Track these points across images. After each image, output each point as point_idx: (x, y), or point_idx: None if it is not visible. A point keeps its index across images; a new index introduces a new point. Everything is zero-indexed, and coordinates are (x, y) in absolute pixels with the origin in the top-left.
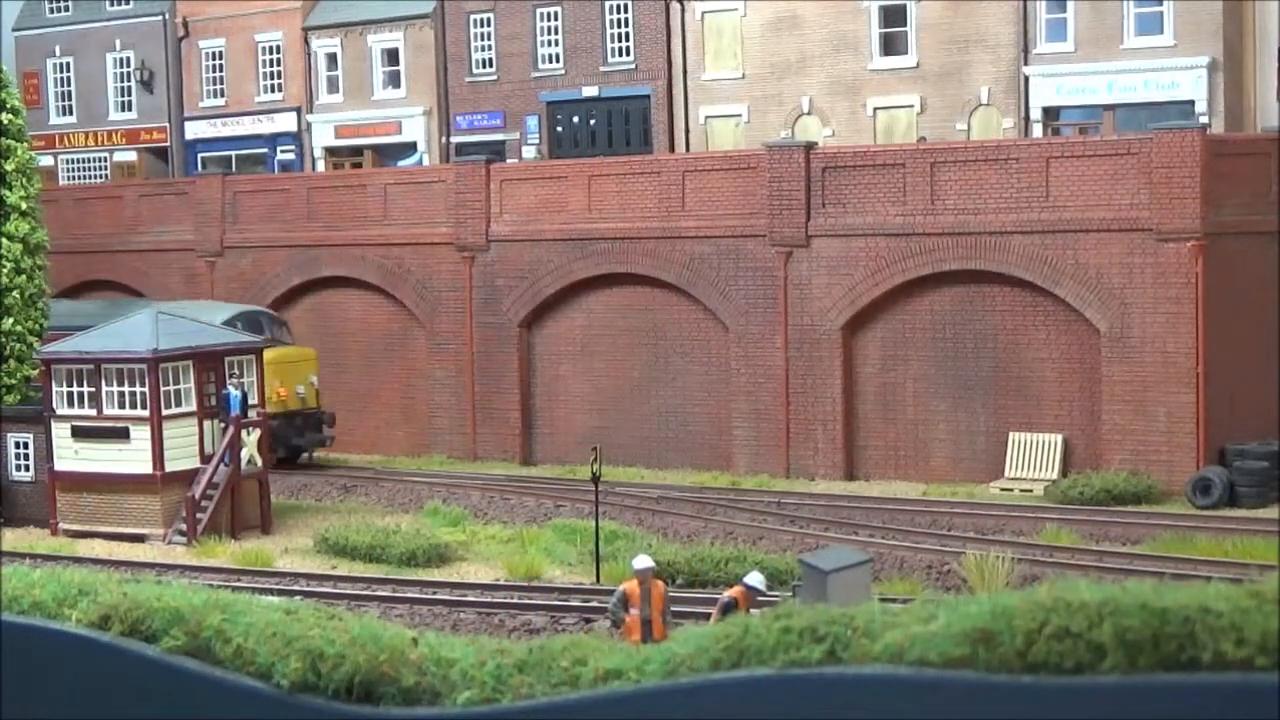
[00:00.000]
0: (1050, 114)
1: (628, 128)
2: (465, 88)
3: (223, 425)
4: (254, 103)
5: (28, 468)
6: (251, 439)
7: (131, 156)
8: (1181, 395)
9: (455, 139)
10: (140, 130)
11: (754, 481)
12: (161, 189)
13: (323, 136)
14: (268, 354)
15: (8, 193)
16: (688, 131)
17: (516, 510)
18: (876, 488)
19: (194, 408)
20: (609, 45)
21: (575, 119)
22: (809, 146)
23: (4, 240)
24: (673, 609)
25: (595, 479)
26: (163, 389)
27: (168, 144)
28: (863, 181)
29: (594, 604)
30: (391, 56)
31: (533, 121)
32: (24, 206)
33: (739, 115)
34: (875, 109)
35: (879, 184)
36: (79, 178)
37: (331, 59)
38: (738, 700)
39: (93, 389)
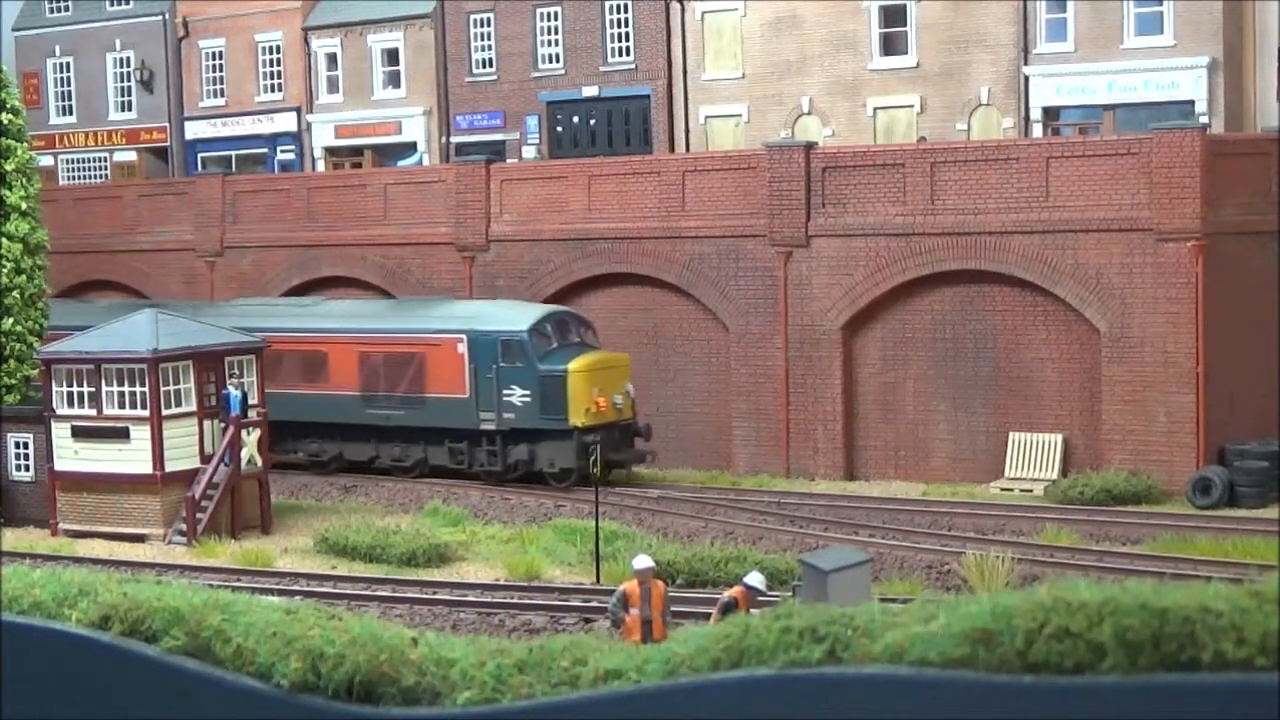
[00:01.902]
0: (1050, 114)
1: (628, 128)
2: (465, 88)
3: (223, 425)
4: (254, 103)
5: (28, 468)
6: (251, 439)
7: (131, 156)
8: (1181, 395)
9: (455, 139)
10: (140, 130)
11: (754, 481)
12: (161, 189)
13: (323, 136)
14: (582, 360)
15: (8, 193)
16: (688, 131)
17: (516, 510)
18: (876, 488)
19: (194, 408)
20: (609, 45)
21: (575, 119)
22: (809, 146)
23: (4, 240)
24: (673, 609)
25: (595, 479)
26: (163, 389)
27: (168, 144)
28: (863, 181)
29: (594, 604)
30: (391, 56)
31: (533, 121)
32: (24, 206)
33: (739, 115)
34: (875, 109)
35: (879, 184)
36: (79, 178)
37: (331, 59)
38: (738, 700)
39: (93, 389)
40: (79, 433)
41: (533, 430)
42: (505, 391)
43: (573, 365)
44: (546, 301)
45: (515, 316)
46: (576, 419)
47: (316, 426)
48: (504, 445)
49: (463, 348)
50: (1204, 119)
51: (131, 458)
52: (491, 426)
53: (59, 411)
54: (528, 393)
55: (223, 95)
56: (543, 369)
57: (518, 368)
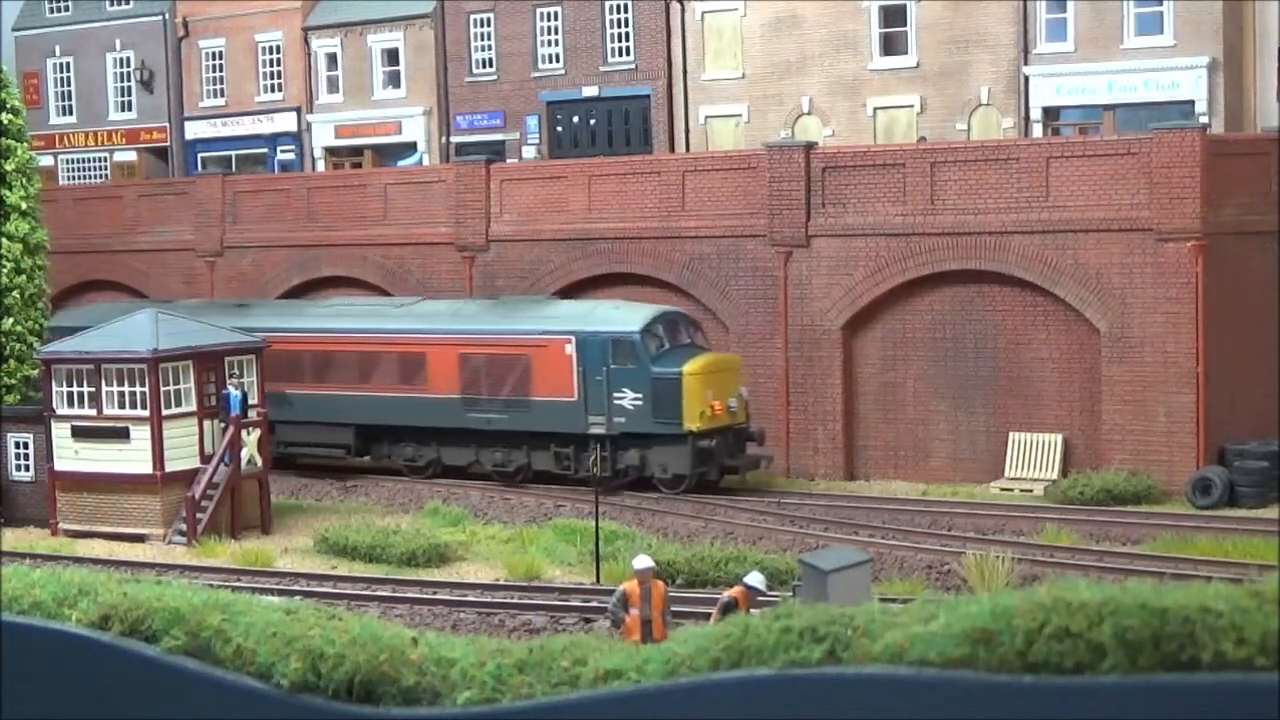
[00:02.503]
0: (1050, 114)
1: (628, 128)
2: (465, 88)
3: (223, 425)
4: (254, 103)
5: (28, 468)
6: (251, 439)
7: (131, 156)
8: (1181, 395)
9: (455, 139)
10: (140, 130)
11: (754, 481)
12: (161, 189)
13: (323, 136)
14: (697, 362)
15: (8, 193)
16: (688, 131)
17: (516, 510)
18: (876, 488)
19: (194, 408)
20: (609, 45)
21: (575, 119)
22: (809, 146)
23: (4, 240)
24: (673, 609)
25: (595, 479)
26: (163, 389)
27: (168, 144)
28: (863, 181)
29: (594, 604)
30: (391, 56)
31: (533, 121)
32: (24, 206)
33: (739, 115)
34: (875, 109)
35: (879, 184)
36: (79, 178)
37: (331, 59)
38: (738, 700)
39: (93, 389)
40: (79, 433)
41: (644, 435)
42: (616, 394)
43: (687, 367)
44: None
45: (626, 316)
46: (691, 423)
47: (412, 431)
48: (613, 450)
49: (571, 349)
50: (1204, 119)
51: (131, 458)
52: (601, 430)
53: (59, 411)
54: (640, 396)
55: (223, 95)
56: (656, 371)
57: (629, 369)
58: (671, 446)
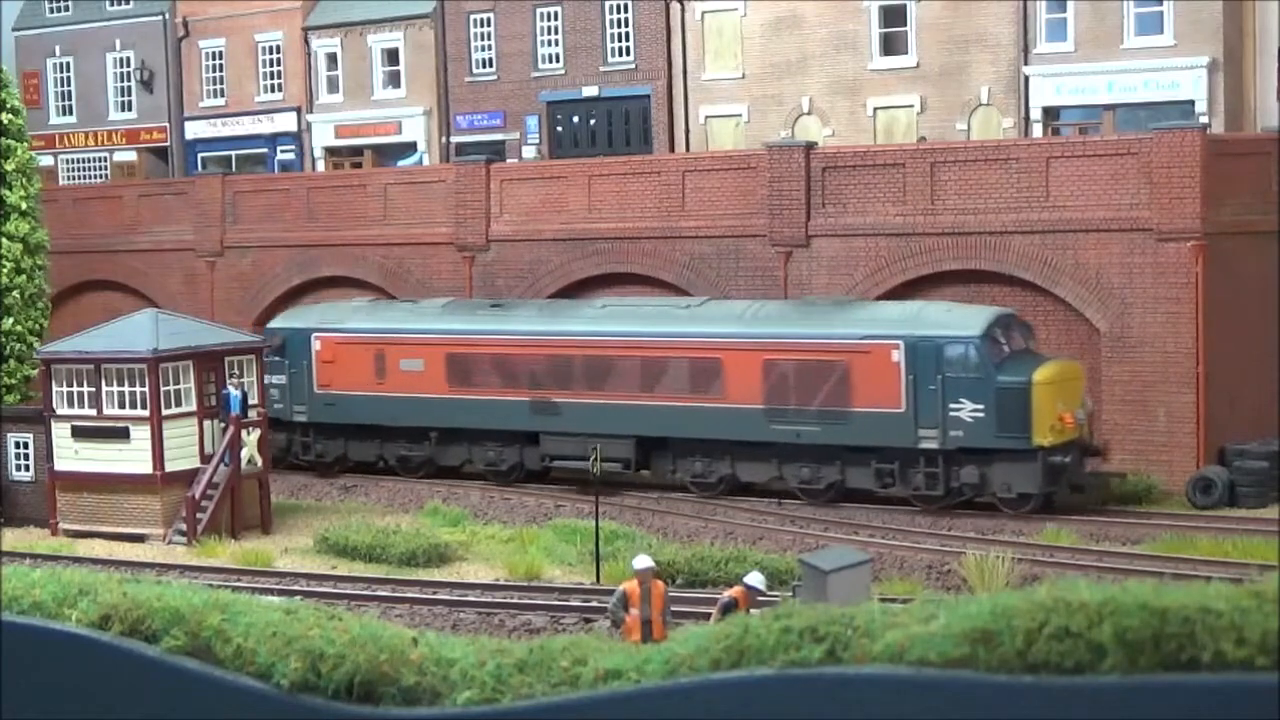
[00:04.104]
0: (1050, 114)
1: (628, 128)
2: (465, 88)
3: (222, 425)
4: (254, 103)
5: (28, 468)
6: (251, 439)
7: (131, 156)
8: (1181, 395)
9: (455, 139)
10: (140, 130)
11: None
12: (161, 189)
13: (323, 136)
14: (1046, 370)
15: (8, 193)
16: (688, 131)
17: (516, 510)
18: None
19: (194, 408)
20: (609, 45)
21: (575, 119)
22: (809, 146)
23: (4, 240)
24: (673, 609)
25: (595, 478)
26: (163, 389)
27: (168, 144)
28: (863, 181)
29: (594, 604)
30: (391, 56)
31: (533, 121)
32: (24, 206)
33: (739, 115)
34: (875, 109)
35: (879, 184)
36: (79, 178)
37: (331, 59)
38: (738, 700)
39: (93, 389)
40: (79, 433)
41: (984, 450)
42: (952, 405)
43: (1038, 375)
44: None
45: (961, 320)
46: (1041, 437)
47: (703, 444)
48: (947, 466)
49: (898, 355)
50: (1204, 119)
51: (131, 458)
52: (934, 445)
53: (59, 411)
54: (980, 407)
55: (223, 95)
56: (1001, 380)
57: (968, 378)
58: (1018, 463)
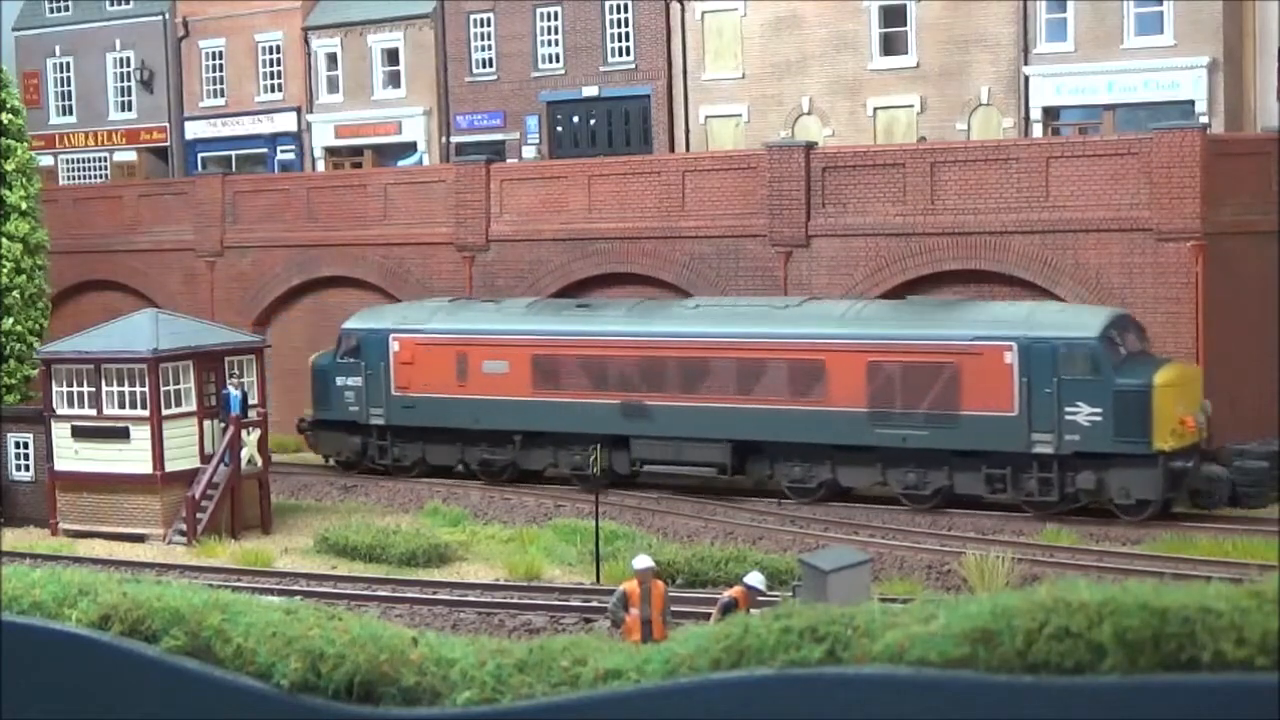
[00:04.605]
0: (1050, 114)
1: (628, 128)
2: (465, 88)
3: (222, 425)
4: (254, 103)
5: (28, 468)
6: (251, 439)
7: (131, 156)
8: None
9: (455, 139)
10: (140, 130)
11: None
12: (161, 189)
13: (323, 136)
14: (1167, 372)
15: (8, 193)
16: (688, 131)
17: (516, 510)
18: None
19: (194, 408)
20: (609, 45)
21: (575, 119)
22: (809, 146)
23: (4, 240)
24: (673, 609)
25: (594, 478)
26: (163, 389)
27: (168, 144)
28: (863, 181)
29: (594, 604)
30: (391, 56)
31: (533, 121)
32: (24, 206)
33: (739, 115)
34: (875, 109)
35: (879, 184)
36: (79, 178)
37: (331, 59)
38: (738, 700)
39: (93, 389)
40: (79, 433)
41: (1101, 455)
42: (1068, 409)
43: (1159, 378)
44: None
45: (1078, 320)
46: (1162, 441)
47: (802, 448)
48: (1061, 471)
49: (1011, 357)
50: (1204, 119)
51: (131, 458)
52: (1048, 450)
53: (59, 411)
54: (1098, 410)
55: (223, 95)
56: (1121, 383)
57: (1086, 381)
58: (1137, 468)
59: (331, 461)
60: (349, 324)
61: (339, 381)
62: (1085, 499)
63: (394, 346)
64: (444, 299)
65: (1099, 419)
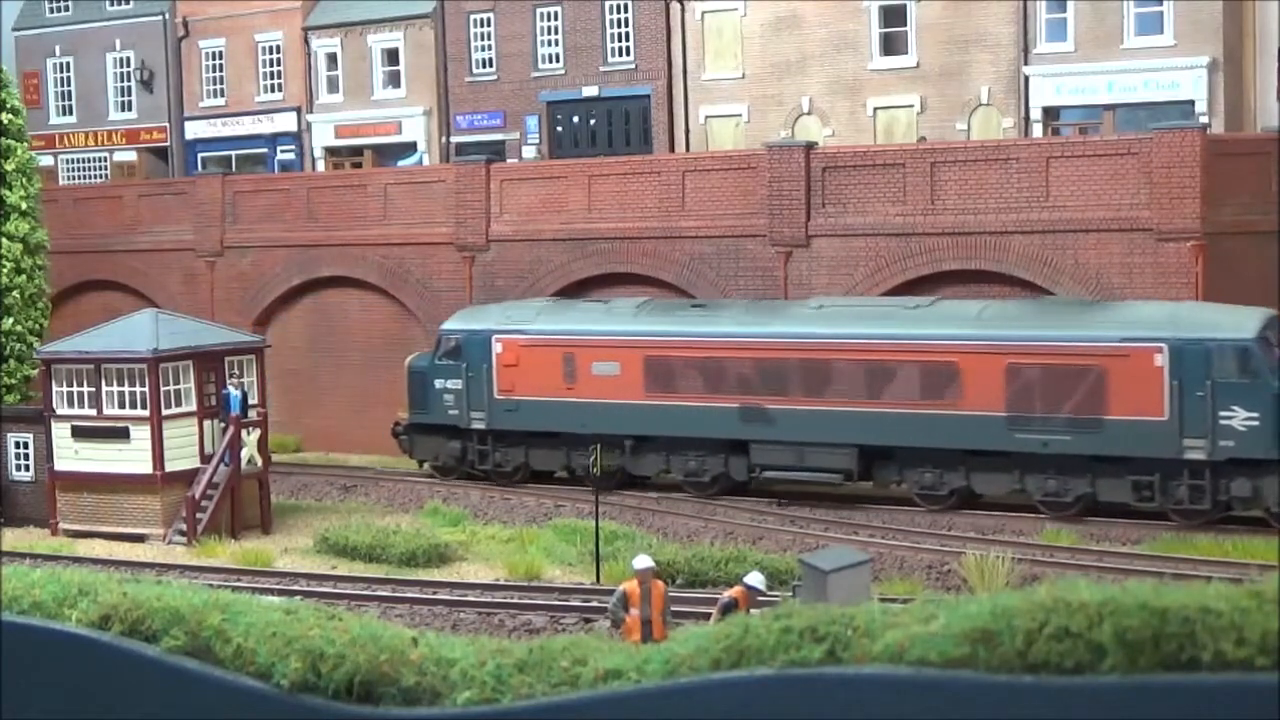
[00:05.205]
0: (1050, 114)
1: (628, 128)
2: (465, 88)
3: (222, 425)
4: (254, 103)
5: (28, 468)
6: (251, 439)
7: (131, 156)
8: None
9: (455, 139)
10: (140, 130)
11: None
12: (161, 189)
13: (323, 136)
14: None
15: (8, 193)
16: (688, 131)
17: (516, 510)
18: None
19: (194, 408)
20: (609, 45)
21: (575, 119)
22: (809, 146)
23: (4, 240)
24: (673, 609)
25: (594, 478)
26: (163, 389)
27: (168, 144)
28: (863, 181)
29: (594, 604)
30: (391, 56)
31: (533, 121)
32: (24, 206)
33: (739, 115)
34: (875, 109)
35: (879, 184)
36: (79, 178)
37: (331, 59)
38: (738, 700)
39: (93, 389)
40: (79, 433)
41: (1256, 461)
42: (1223, 413)
43: None
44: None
45: (1231, 322)
46: None
47: (933, 453)
48: (1214, 478)
49: (1161, 359)
50: (1204, 119)
51: (131, 458)
52: (1201, 456)
53: (59, 411)
54: (1254, 415)
55: (223, 95)
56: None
57: (1242, 384)
58: None
59: (426, 467)
60: (448, 325)
61: (437, 384)
62: (1240, 507)
63: (497, 348)
64: (545, 298)
65: (1256, 424)
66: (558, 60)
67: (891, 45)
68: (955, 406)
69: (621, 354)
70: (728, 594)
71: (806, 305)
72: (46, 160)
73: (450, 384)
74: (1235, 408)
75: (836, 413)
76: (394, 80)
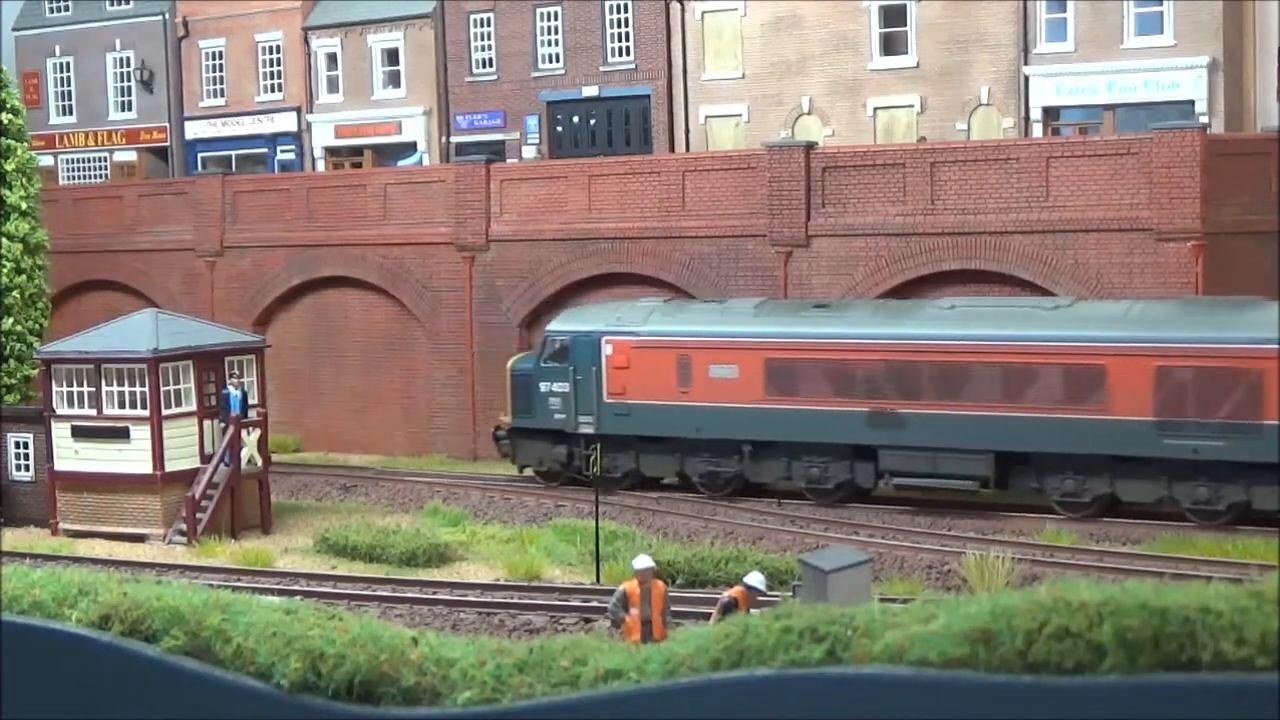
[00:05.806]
0: (1050, 114)
1: (628, 128)
2: (465, 88)
3: (222, 425)
4: (254, 103)
5: (28, 468)
6: (251, 439)
7: (131, 156)
8: None
9: (455, 139)
10: (140, 130)
11: None
12: (161, 189)
13: (323, 136)
14: None
15: (8, 193)
16: (688, 131)
17: (516, 510)
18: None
19: (194, 408)
20: (609, 45)
21: (575, 119)
22: (809, 146)
23: (4, 240)
24: (673, 609)
25: (594, 478)
26: (163, 389)
27: (168, 144)
28: (863, 181)
29: (594, 604)
30: (391, 56)
31: (533, 121)
32: (24, 206)
33: (739, 115)
34: (875, 109)
35: (879, 184)
36: (79, 178)
37: (331, 59)
38: (738, 700)
39: (93, 389)
40: (79, 433)
41: None
42: None
43: None
44: (546, 300)
45: None
46: None
47: (1075, 459)
48: None
49: None
50: (1204, 119)
51: (131, 458)
52: None
53: (59, 411)
54: None
55: (223, 95)
56: None
57: None
58: None
59: (529, 472)
60: (554, 325)
61: (543, 387)
62: None
63: (606, 350)
64: (656, 299)
65: None
66: (558, 60)
67: (891, 45)
68: (1101, 411)
69: (740, 356)
70: (728, 594)
71: (940, 306)
72: (46, 160)
73: (556, 387)
74: None
75: (972, 418)
76: (394, 80)
